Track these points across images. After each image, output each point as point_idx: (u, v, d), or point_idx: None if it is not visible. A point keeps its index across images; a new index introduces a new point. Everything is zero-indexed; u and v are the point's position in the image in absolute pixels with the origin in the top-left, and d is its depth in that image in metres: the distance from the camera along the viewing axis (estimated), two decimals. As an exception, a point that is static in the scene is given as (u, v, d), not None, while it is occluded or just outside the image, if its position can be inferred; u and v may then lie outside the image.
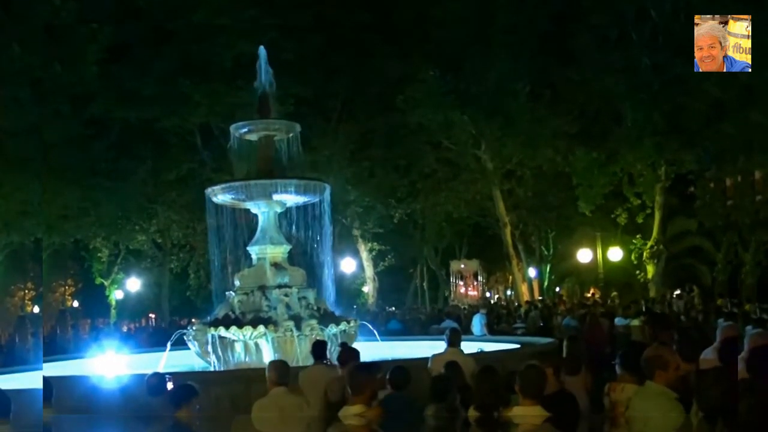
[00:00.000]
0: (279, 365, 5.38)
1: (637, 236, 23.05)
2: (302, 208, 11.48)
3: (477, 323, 15.55)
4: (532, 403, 4.16)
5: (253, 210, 11.27)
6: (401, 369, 5.27)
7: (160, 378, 5.57)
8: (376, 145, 24.89)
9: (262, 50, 11.44)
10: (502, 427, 4.47)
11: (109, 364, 11.41)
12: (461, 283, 33.88)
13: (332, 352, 9.29)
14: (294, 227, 11.52)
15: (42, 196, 19.73)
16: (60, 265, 32.74)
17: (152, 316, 32.69)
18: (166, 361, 10.88)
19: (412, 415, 5.10)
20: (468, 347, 8.72)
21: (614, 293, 24.66)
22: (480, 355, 8.61)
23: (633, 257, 23.43)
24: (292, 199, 11.15)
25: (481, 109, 21.75)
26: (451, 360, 6.07)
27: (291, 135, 11.31)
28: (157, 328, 24.61)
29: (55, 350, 16.05)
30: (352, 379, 4.80)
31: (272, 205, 11.03)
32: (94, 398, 7.39)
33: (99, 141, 22.93)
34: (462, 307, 24.27)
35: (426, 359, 7.44)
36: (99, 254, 28.13)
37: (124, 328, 24.43)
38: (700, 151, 20.48)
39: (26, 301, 37.47)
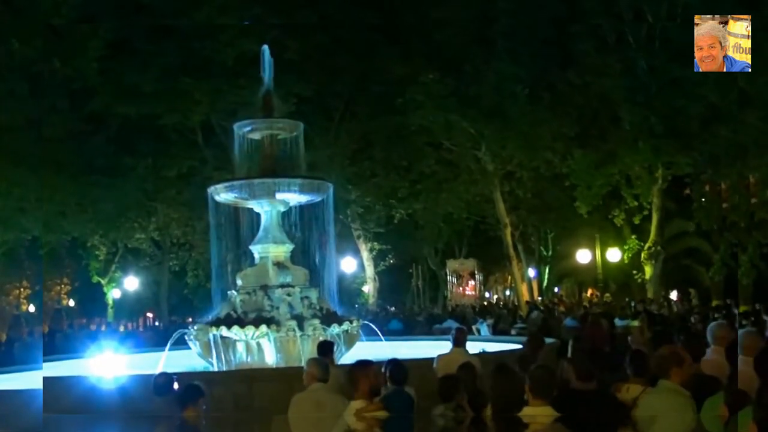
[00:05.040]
0: (321, 362, 5.44)
1: (632, 237, 23.17)
2: (305, 207, 11.42)
3: (483, 330, 15.65)
4: (542, 404, 4.14)
5: (256, 209, 11.20)
6: (399, 364, 5.37)
7: (167, 378, 5.53)
8: (377, 146, 24.88)
9: (265, 49, 11.38)
10: (514, 427, 4.45)
11: (107, 364, 11.31)
12: (457, 282, 33.95)
13: (335, 352, 9.26)
14: (296, 226, 11.44)
15: (40, 193, 19.57)
16: (56, 263, 32.52)
17: (150, 315, 32.56)
18: (166, 361, 10.78)
19: (414, 411, 5.15)
20: (471, 347, 8.68)
21: (608, 294, 24.75)
22: (484, 356, 8.56)
23: (626, 257, 23.54)
24: (295, 198, 11.09)
25: (481, 111, 21.79)
26: (465, 361, 6.04)
27: (294, 134, 11.25)
28: (153, 327, 24.52)
29: (50, 350, 15.92)
30: (349, 375, 4.95)
31: (275, 203, 10.97)
32: (98, 399, 7.31)
33: (98, 137, 22.79)
34: (460, 305, 24.30)
35: (431, 359, 7.41)
36: (96, 252, 27.95)
37: (121, 328, 24.30)
38: (696, 154, 20.59)
39: (21, 300, 37.24)
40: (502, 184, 23.96)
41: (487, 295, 36.65)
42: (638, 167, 21.41)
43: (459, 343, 7.44)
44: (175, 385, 5.27)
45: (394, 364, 5.33)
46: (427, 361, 7.40)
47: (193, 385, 5.01)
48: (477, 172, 23.92)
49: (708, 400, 3.82)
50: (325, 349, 7.07)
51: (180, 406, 4.84)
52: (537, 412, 4.15)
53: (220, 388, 7.80)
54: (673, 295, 24.73)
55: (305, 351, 9.46)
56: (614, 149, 21.26)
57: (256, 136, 11.21)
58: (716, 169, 21.59)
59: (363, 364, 5.10)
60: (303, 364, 8.78)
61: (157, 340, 15.37)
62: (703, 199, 23.24)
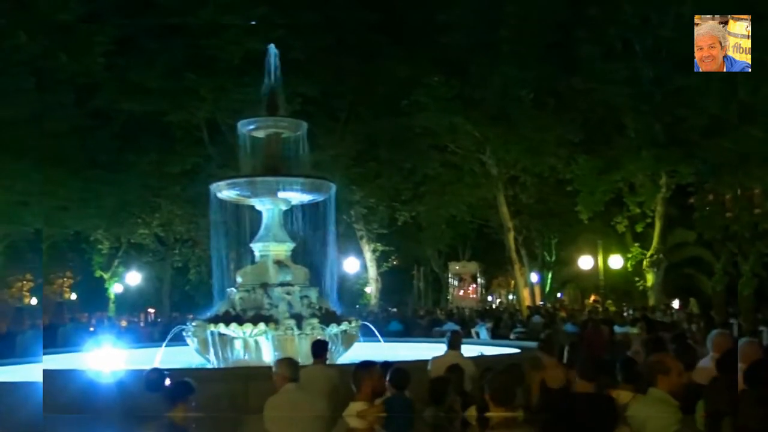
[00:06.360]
0: (290, 361, 5.38)
1: (635, 245, 23.10)
2: (307, 207, 11.43)
3: (483, 334, 15.61)
4: (501, 411, 4.11)
5: (258, 207, 11.21)
6: (401, 370, 5.34)
7: (159, 374, 5.51)
8: (381, 147, 24.91)
9: (272, 48, 11.39)
10: (497, 427, 4.44)
11: (105, 359, 11.31)
12: (459, 285, 33.90)
13: (332, 352, 9.25)
14: (298, 225, 11.45)
15: (43, 187, 19.63)
16: (59, 257, 32.59)
17: (151, 311, 32.59)
18: (163, 357, 10.78)
19: (415, 415, 5.13)
20: (469, 351, 8.66)
21: (609, 301, 24.67)
22: (480, 359, 8.54)
23: (628, 265, 23.45)
24: (297, 197, 11.09)
25: (485, 114, 21.78)
26: (454, 363, 6.03)
27: (298, 133, 11.25)
28: (154, 323, 24.53)
29: (50, 343, 15.93)
30: (353, 376, 4.93)
31: (277, 202, 10.98)
32: (88, 394, 7.29)
33: (103, 132, 22.88)
34: (460, 307, 24.28)
35: (426, 361, 7.39)
36: (99, 246, 28.02)
37: (123, 323, 24.30)
38: (698, 163, 20.50)
39: (24, 293, 37.35)
40: (506, 188, 23.96)
41: (489, 298, 36.60)
42: (642, 175, 21.36)
43: (453, 345, 7.42)
44: (167, 382, 5.24)
45: (397, 370, 5.31)
46: (423, 363, 7.38)
47: (183, 381, 4.94)
48: (481, 175, 23.93)
49: (697, 407, 3.86)
50: (319, 348, 7.05)
51: (170, 403, 4.79)
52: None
53: (216, 386, 7.78)
54: (676, 303, 24.64)
55: (303, 350, 9.43)
56: (618, 156, 21.22)
57: (260, 134, 11.23)
58: (719, 179, 21.52)
59: (366, 366, 5.08)
60: (301, 362, 8.84)
61: (157, 336, 15.37)
62: (706, 209, 23.14)
